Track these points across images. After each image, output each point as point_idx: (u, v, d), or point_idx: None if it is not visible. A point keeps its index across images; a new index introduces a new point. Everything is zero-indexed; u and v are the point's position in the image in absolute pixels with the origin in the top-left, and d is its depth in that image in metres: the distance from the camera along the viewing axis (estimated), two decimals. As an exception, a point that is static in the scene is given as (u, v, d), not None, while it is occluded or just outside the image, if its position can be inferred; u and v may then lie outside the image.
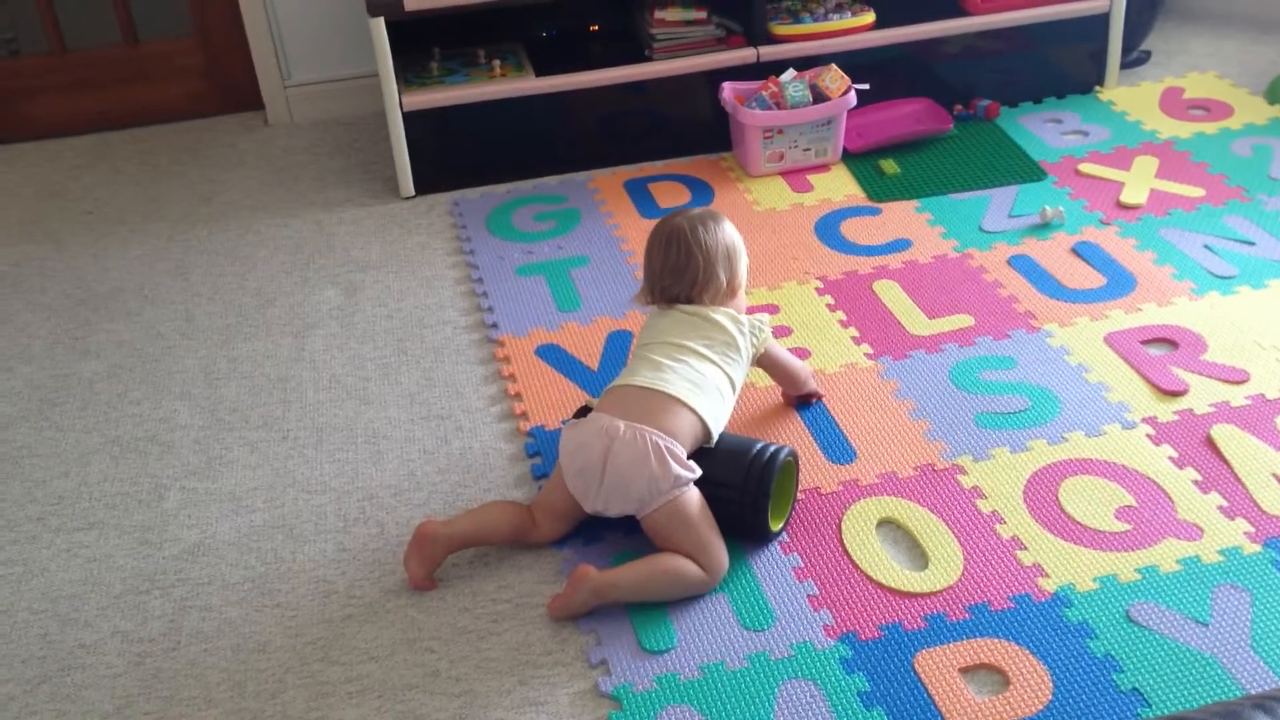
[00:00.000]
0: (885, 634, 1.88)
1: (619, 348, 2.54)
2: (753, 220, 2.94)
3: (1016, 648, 1.84)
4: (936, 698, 1.77)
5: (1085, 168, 3.06)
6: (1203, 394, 2.30)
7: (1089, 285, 2.63)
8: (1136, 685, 1.77)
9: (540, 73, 3.18)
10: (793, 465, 2.08)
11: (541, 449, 2.29)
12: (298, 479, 2.30)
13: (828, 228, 2.91)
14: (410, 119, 3.09)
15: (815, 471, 2.19)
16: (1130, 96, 3.38)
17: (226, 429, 2.44)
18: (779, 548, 2.05)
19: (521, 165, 3.22)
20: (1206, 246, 2.73)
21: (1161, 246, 2.74)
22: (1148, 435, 2.22)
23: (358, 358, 2.61)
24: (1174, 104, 3.33)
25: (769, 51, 3.19)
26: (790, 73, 3.11)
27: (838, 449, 2.24)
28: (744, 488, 1.99)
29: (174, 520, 2.23)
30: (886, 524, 2.09)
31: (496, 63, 3.19)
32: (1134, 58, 3.53)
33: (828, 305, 2.63)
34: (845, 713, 1.76)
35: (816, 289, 2.69)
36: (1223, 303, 2.55)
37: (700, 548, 1.94)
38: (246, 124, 3.63)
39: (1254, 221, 2.81)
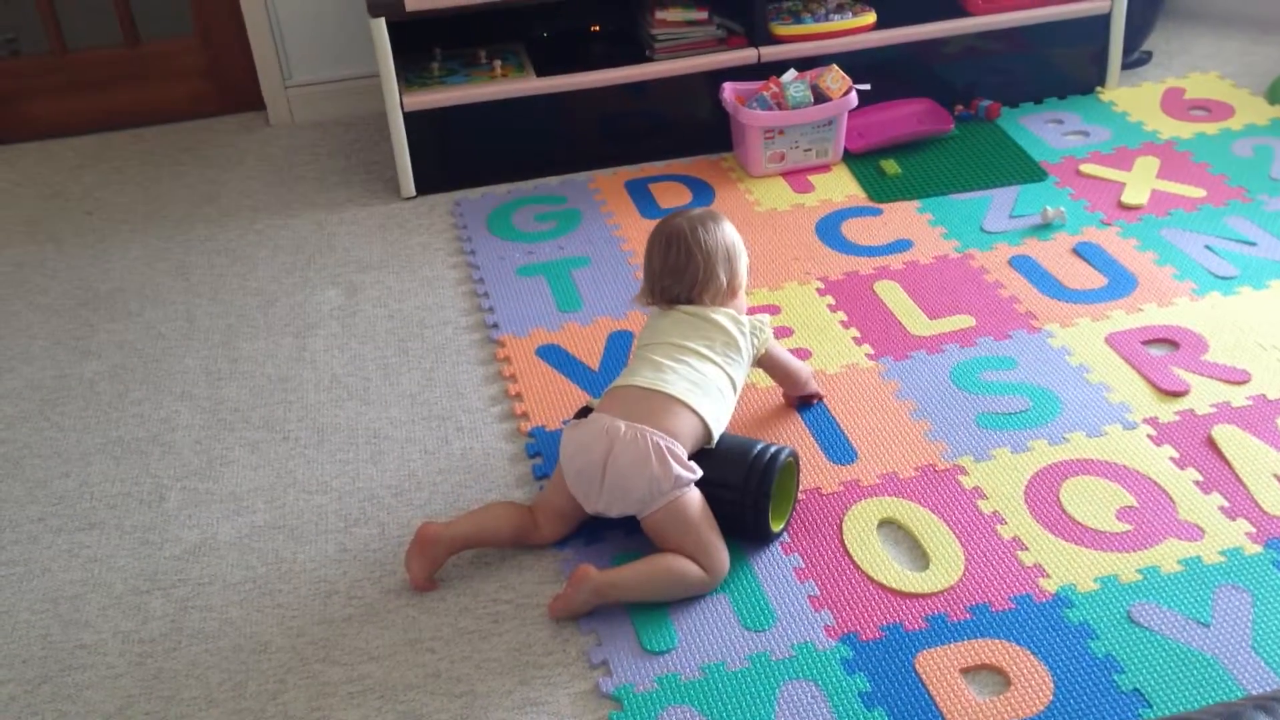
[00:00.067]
0: (886, 634, 1.88)
1: (620, 348, 2.54)
2: (754, 221, 2.94)
3: (1017, 648, 1.84)
4: (937, 698, 1.77)
5: (1086, 168, 3.06)
6: (1204, 394, 2.30)
7: (1090, 286, 2.63)
8: (1137, 686, 1.77)
9: (541, 73, 3.18)
10: (793, 466, 2.08)
11: (542, 449, 2.29)
12: (299, 479, 2.30)
13: (829, 228, 2.91)
14: (411, 119, 3.09)
15: (816, 472, 2.19)
16: (1131, 97, 3.38)
17: (227, 429, 2.44)
18: (780, 548, 2.05)
19: (522, 165, 3.22)
20: (1208, 247, 2.73)
21: (1163, 247, 2.74)
22: (1149, 436, 2.22)
23: (359, 358, 2.61)
24: (1175, 104, 3.33)
25: (770, 52, 3.19)
26: (791, 73, 3.11)
27: (839, 449, 2.24)
28: (745, 488, 1.99)
29: (175, 520, 2.23)
30: (887, 524, 2.09)
31: (497, 63, 3.19)
32: (1135, 58, 3.53)
33: (829, 306, 2.63)
34: (846, 713, 1.76)
35: (817, 289, 2.69)
36: (1224, 303, 2.55)
37: (701, 548, 1.94)
38: (247, 124, 3.63)
39: (1255, 222, 2.81)
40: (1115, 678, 1.78)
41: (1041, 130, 3.25)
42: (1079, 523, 2.05)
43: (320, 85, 3.60)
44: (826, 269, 2.76)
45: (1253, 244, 2.73)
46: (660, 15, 3.18)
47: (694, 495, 1.97)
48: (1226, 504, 2.06)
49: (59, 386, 2.60)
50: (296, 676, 1.90)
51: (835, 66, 3.10)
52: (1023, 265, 2.71)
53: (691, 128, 3.27)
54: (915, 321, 2.56)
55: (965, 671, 1.82)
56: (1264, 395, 2.29)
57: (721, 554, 1.96)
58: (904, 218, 2.93)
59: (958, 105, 3.33)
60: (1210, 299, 2.56)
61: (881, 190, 3.04)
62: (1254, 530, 2.01)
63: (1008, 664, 1.81)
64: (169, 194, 3.31)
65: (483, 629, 1.95)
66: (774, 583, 1.98)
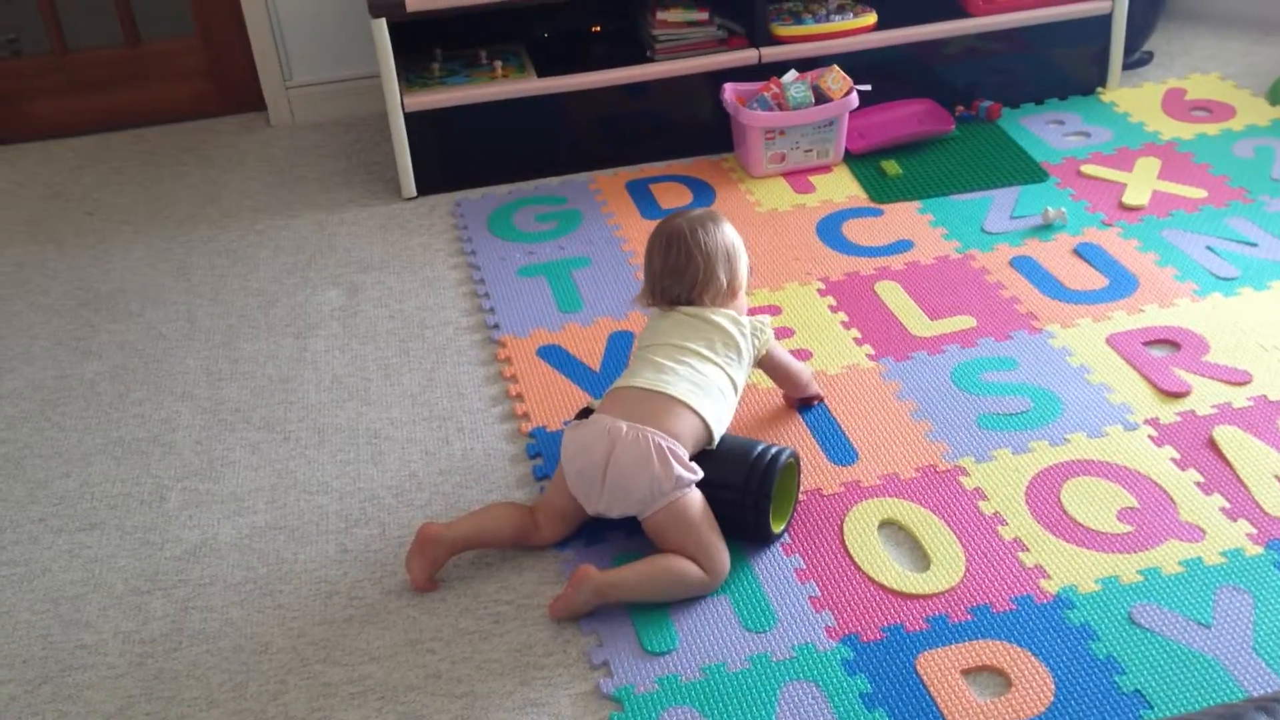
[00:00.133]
0: (887, 635, 1.88)
1: (621, 349, 2.54)
2: (754, 221, 2.94)
3: (1018, 649, 1.84)
4: (938, 699, 1.77)
5: (1087, 169, 3.06)
6: (1205, 395, 2.30)
7: (1091, 286, 2.63)
8: (1138, 687, 1.77)
9: (542, 74, 3.18)
10: (794, 467, 2.08)
11: (543, 450, 2.29)
12: (299, 480, 2.30)
13: (829, 229, 2.91)
14: (412, 120, 3.09)
15: (817, 473, 2.19)
16: (1132, 98, 3.38)
17: (228, 430, 2.44)
18: (781, 549, 2.05)
19: (523, 166, 3.22)
20: (1209, 248, 2.73)
21: (1164, 248, 2.74)
22: (1150, 437, 2.22)
23: (359, 358, 2.61)
24: (1176, 105, 3.32)
25: (771, 52, 3.19)
26: (792, 74, 3.11)
27: (839, 450, 2.24)
28: (745, 489, 1.99)
29: (175, 521, 2.23)
30: (888, 525, 2.09)
31: (498, 64, 3.19)
32: (1136, 59, 3.53)
33: (829, 306, 2.63)
34: (847, 714, 1.76)
35: (818, 290, 2.69)
36: (1225, 304, 2.55)
37: (702, 549, 1.94)
38: (248, 125, 3.64)
39: (1256, 223, 2.81)
40: (1116, 679, 1.78)
41: (1042, 131, 3.25)
42: (1080, 524, 2.04)
43: (321, 86, 3.61)
44: (827, 269, 2.75)
45: (1254, 245, 2.73)
46: (661, 16, 3.18)
47: (695, 496, 1.96)
48: (1227, 505, 2.06)
49: (60, 387, 2.60)
50: (297, 677, 1.90)
51: (836, 67, 3.10)
52: (1024, 266, 2.71)
53: (692, 128, 3.27)
54: (916, 322, 2.56)
55: (966, 673, 1.82)
56: (1265, 396, 2.29)
57: (722, 555, 1.96)
58: (905, 218, 2.93)
59: (958, 106, 3.33)
60: (1211, 300, 2.56)
61: (882, 191, 3.04)
62: (1255, 531, 2.01)
63: (1009, 665, 1.81)
64: (170, 194, 3.31)
65: (483, 630, 1.95)
66: (775, 584, 1.98)
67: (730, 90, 3.12)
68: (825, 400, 2.35)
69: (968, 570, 1.98)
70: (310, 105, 3.61)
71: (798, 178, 3.12)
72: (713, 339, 2.09)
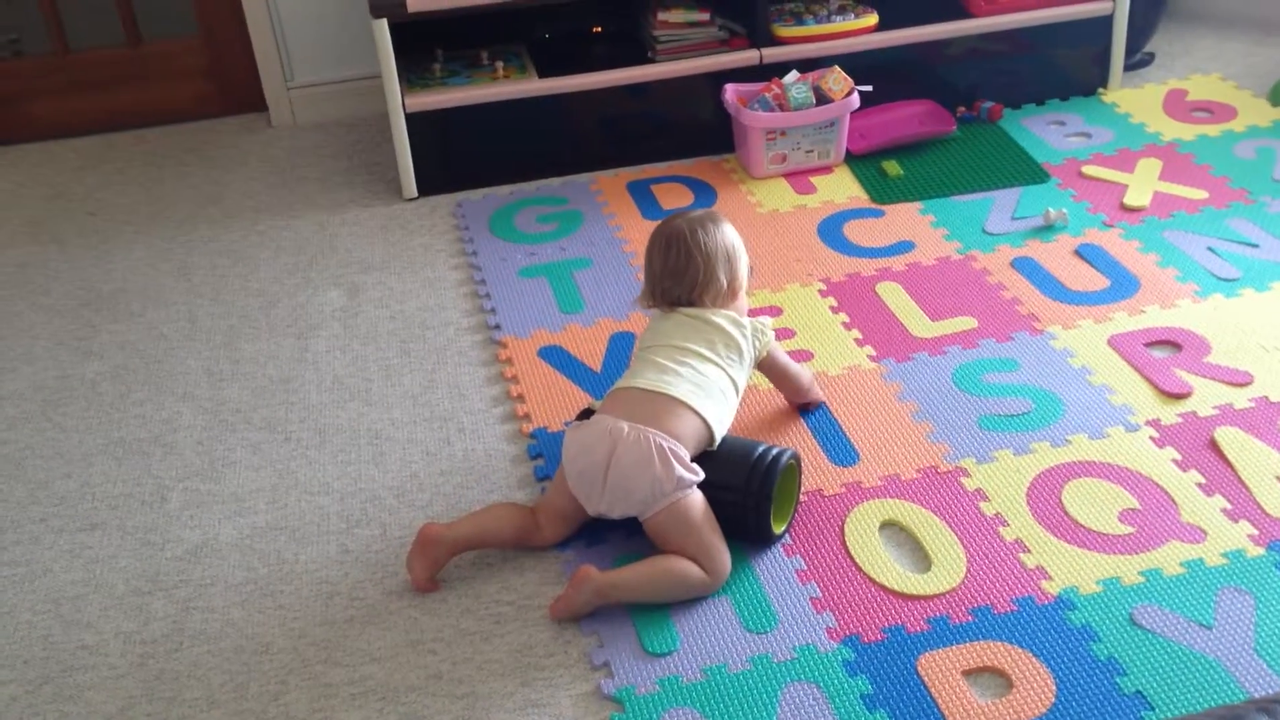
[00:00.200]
0: (888, 637, 1.88)
1: (622, 349, 2.54)
2: (755, 222, 2.94)
3: (1019, 650, 1.83)
4: (939, 700, 1.77)
5: (1088, 170, 3.06)
6: (1206, 396, 2.30)
7: (1092, 287, 2.63)
8: (1140, 688, 1.77)
9: (543, 74, 3.18)
10: (795, 468, 2.08)
11: (544, 451, 2.29)
12: (300, 480, 2.30)
13: (830, 229, 2.91)
14: (413, 120, 3.09)
15: (818, 474, 2.19)
16: (1133, 98, 3.38)
17: (229, 430, 2.44)
18: (782, 550, 2.05)
19: (524, 167, 3.22)
20: (1210, 249, 2.73)
21: (1165, 249, 2.74)
22: (1151, 438, 2.22)
23: (360, 359, 2.61)
24: (1177, 106, 3.32)
25: (772, 53, 3.19)
26: (793, 74, 3.11)
27: (840, 451, 2.24)
28: (746, 490, 1.99)
29: (176, 521, 2.23)
30: (889, 526, 2.09)
31: (499, 64, 3.19)
32: (1137, 60, 3.53)
33: (831, 307, 2.63)
34: (848, 715, 1.76)
35: (819, 291, 2.69)
36: (1226, 305, 2.55)
37: (703, 550, 1.94)
38: (249, 125, 3.64)
39: (1257, 224, 2.81)
40: (1117, 680, 1.78)
41: (1044, 132, 3.25)
42: (1081, 525, 2.04)
43: (322, 86, 3.61)
44: (828, 270, 2.75)
45: (1255, 246, 2.73)
46: (662, 16, 3.18)
47: (696, 497, 1.96)
48: (1229, 506, 2.06)
49: (61, 387, 2.60)
50: (298, 678, 1.90)
51: (837, 68, 3.10)
52: (1025, 267, 2.71)
53: (693, 129, 3.27)
54: (917, 323, 2.56)
55: (967, 674, 1.82)
56: (1266, 397, 2.29)
57: (723, 556, 1.96)
58: (906, 219, 2.93)
59: (960, 107, 3.33)
60: (1213, 301, 2.56)
61: (883, 192, 3.04)
62: (1256, 533, 2.01)
63: (1010, 666, 1.81)
64: (171, 195, 3.31)
65: (484, 630, 1.95)
66: (776, 585, 1.98)
67: (731, 91, 3.12)
68: (826, 402, 2.35)
69: (969, 571, 1.98)
70: (312, 106, 3.61)
71: (799, 178, 3.12)
72: (714, 340, 2.09)
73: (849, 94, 3.07)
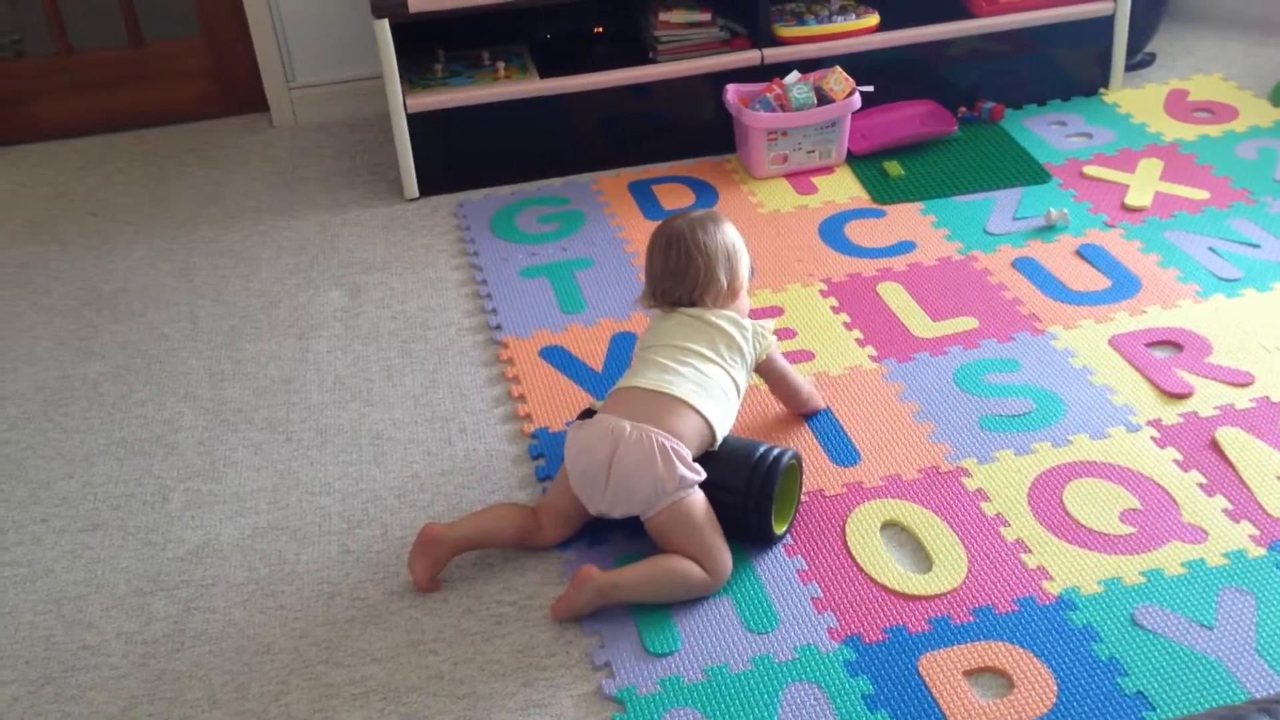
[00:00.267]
0: (889, 637, 1.88)
1: (623, 349, 2.54)
2: (757, 222, 2.94)
3: (1021, 651, 1.83)
4: (941, 701, 1.77)
5: (1090, 170, 3.06)
6: (1207, 397, 2.30)
7: (1093, 288, 2.63)
8: (1141, 689, 1.77)
9: (544, 75, 3.18)
10: (796, 468, 2.08)
11: (545, 451, 2.29)
12: (301, 480, 2.30)
13: (832, 230, 2.91)
14: (414, 121, 3.09)
15: (819, 474, 2.19)
16: (1135, 99, 3.38)
17: (230, 430, 2.44)
18: (783, 550, 2.05)
19: (525, 167, 3.23)
20: (1211, 249, 2.73)
21: (1166, 249, 2.74)
22: (1152, 438, 2.22)
23: (361, 359, 2.61)
24: (1179, 106, 3.32)
25: (773, 54, 3.19)
26: (794, 75, 3.11)
27: (842, 451, 2.24)
28: (747, 491, 1.99)
29: (178, 521, 2.23)
30: (891, 527, 2.09)
31: (501, 65, 3.19)
32: (1139, 60, 3.53)
33: (832, 307, 2.63)
34: (849, 716, 1.76)
35: (820, 291, 2.69)
36: (1227, 305, 2.55)
37: (705, 550, 1.94)
38: (251, 125, 3.64)
39: (1259, 224, 2.80)
40: (1119, 680, 1.78)
41: (1045, 132, 3.25)
42: (1082, 525, 2.04)
43: (324, 86, 3.61)
44: (829, 271, 2.75)
45: (1256, 246, 2.73)
46: (663, 17, 3.18)
47: (698, 497, 1.96)
48: (1230, 506, 2.06)
49: (62, 387, 2.61)
50: (299, 678, 1.90)
51: (838, 68, 3.10)
52: (1026, 267, 2.71)
53: (695, 129, 3.27)
54: (918, 323, 2.56)
55: (968, 674, 1.82)
56: (1267, 398, 2.29)
57: (724, 556, 1.96)
58: (907, 219, 2.93)
59: (961, 107, 3.33)
60: (1214, 301, 2.56)
61: (885, 192, 3.04)
62: (1258, 533, 2.01)
63: (1011, 666, 1.81)
64: (173, 195, 3.31)
65: (485, 630, 1.95)
66: (777, 585, 1.98)
67: (733, 91, 3.12)
68: (828, 403, 2.35)
69: (970, 571, 1.98)
70: (313, 106, 3.61)
71: (800, 179, 3.12)
72: (715, 340, 2.09)
73: (850, 94, 3.06)
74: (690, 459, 1.97)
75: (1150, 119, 3.27)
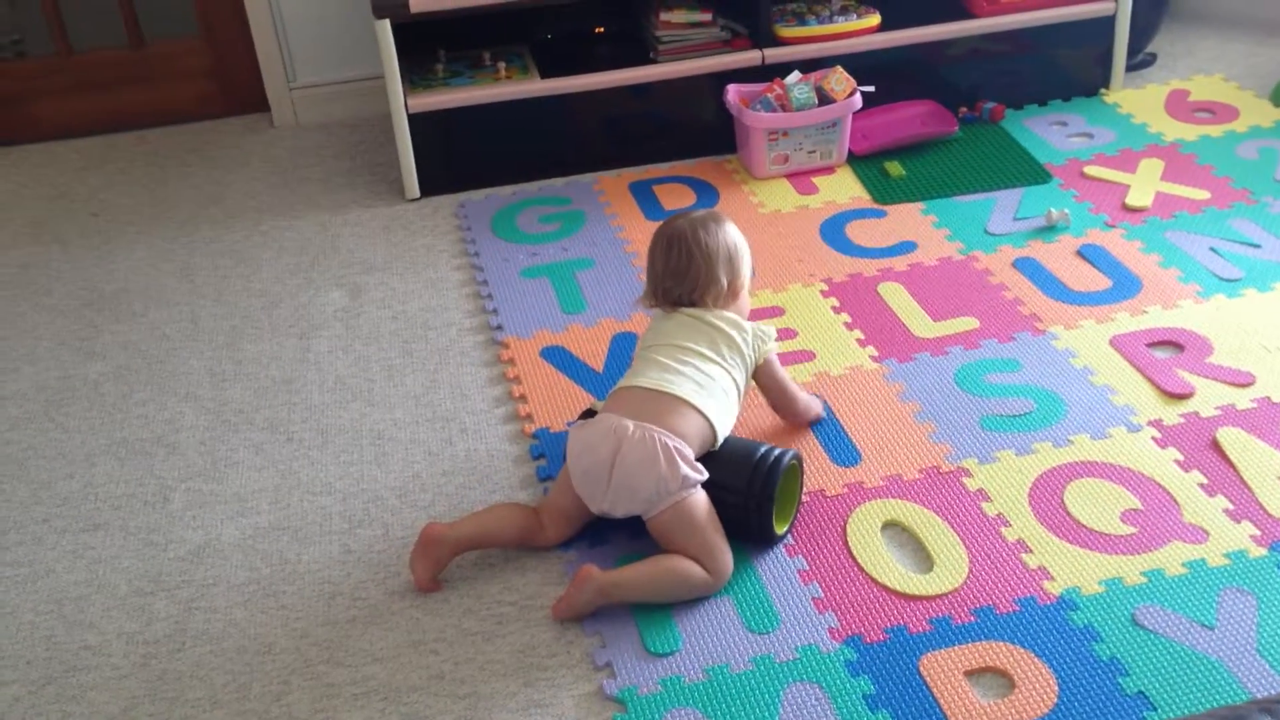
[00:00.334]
0: (890, 637, 1.88)
1: (624, 350, 2.54)
2: (757, 222, 2.94)
3: (1022, 651, 1.83)
4: (942, 701, 1.77)
5: (1090, 170, 3.06)
6: (1208, 397, 2.30)
7: (1094, 288, 2.63)
8: (1142, 689, 1.77)
9: (545, 75, 3.18)
10: (797, 468, 2.08)
11: (546, 451, 2.29)
12: (303, 481, 2.30)
13: (833, 230, 2.91)
14: (415, 121, 3.09)
15: (820, 474, 2.19)
16: (1136, 99, 3.38)
17: (232, 430, 2.44)
18: (784, 550, 2.05)
19: (526, 167, 3.23)
20: (1212, 249, 2.73)
21: (1167, 249, 2.74)
22: (1153, 438, 2.21)
23: (363, 359, 2.61)
24: (1179, 106, 3.32)
25: (774, 54, 3.19)
26: (795, 75, 3.11)
27: (843, 451, 2.24)
28: (748, 491, 1.99)
29: (179, 522, 2.23)
30: (891, 526, 2.09)
31: (502, 65, 3.20)
32: (1140, 60, 3.53)
33: (833, 307, 2.63)
34: (850, 716, 1.76)
35: (821, 291, 2.69)
36: (1229, 305, 2.54)
37: (706, 550, 1.94)
38: (252, 126, 3.64)
39: (1260, 224, 2.80)
40: (1120, 681, 1.78)
41: (1046, 132, 3.25)
42: (1083, 525, 2.04)
43: (325, 87, 3.61)
44: (830, 271, 2.75)
45: (1257, 246, 2.73)
46: (664, 17, 3.18)
47: (700, 496, 1.96)
48: (1231, 507, 2.06)
49: (64, 387, 2.61)
50: (300, 678, 1.90)
51: (839, 68, 3.10)
52: (1027, 267, 2.71)
53: (695, 129, 3.27)
54: (919, 323, 2.56)
55: (969, 674, 1.82)
56: (1269, 398, 2.29)
57: (726, 556, 1.96)
58: (908, 220, 2.93)
59: (962, 107, 3.33)
60: (1215, 301, 2.56)
61: (885, 192, 3.04)
62: (1259, 533, 2.01)
63: (1012, 667, 1.81)
64: (174, 195, 3.31)
65: (486, 630, 1.95)
66: (778, 585, 1.98)
67: (733, 91, 3.12)
68: (829, 401, 2.34)
69: (971, 572, 1.98)
70: (314, 106, 3.61)
71: (801, 179, 3.12)
72: (716, 340, 2.09)
73: (851, 94, 3.07)
74: (693, 458, 1.97)
75: (1151, 119, 3.27)
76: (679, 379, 2.02)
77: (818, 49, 3.20)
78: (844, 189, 3.07)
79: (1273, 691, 1.75)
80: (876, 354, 2.48)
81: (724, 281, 2.12)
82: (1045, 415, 2.29)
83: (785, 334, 2.53)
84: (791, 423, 2.28)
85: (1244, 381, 2.33)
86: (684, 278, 2.12)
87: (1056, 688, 1.78)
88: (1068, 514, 2.07)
